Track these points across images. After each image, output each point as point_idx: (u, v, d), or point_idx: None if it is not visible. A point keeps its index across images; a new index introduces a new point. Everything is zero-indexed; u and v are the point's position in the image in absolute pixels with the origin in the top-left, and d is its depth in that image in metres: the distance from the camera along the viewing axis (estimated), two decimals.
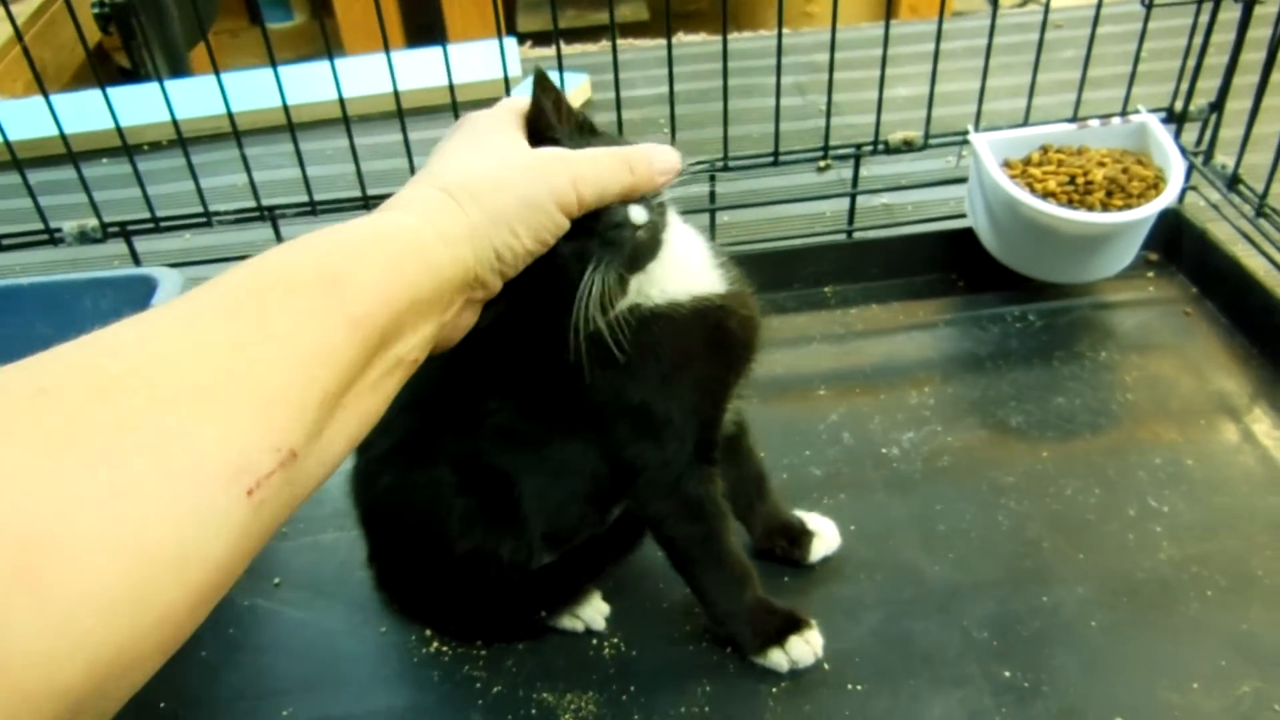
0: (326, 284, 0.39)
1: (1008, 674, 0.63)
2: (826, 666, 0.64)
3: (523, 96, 0.55)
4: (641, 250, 0.53)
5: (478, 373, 0.60)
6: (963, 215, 1.00)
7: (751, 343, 0.62)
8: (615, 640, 0.67)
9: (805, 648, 0.64)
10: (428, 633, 0.69)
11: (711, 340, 0.59)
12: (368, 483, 0.65)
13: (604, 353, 0.55)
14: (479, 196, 0.47)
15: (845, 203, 1.04)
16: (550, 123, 0.54)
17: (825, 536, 0.71)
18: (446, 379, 0.60)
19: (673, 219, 0.58)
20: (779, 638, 0.64)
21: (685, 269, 0.58)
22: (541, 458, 0.62)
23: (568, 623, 0.68)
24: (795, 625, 0.64)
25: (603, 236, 0.51)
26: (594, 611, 0.68)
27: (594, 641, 0.67)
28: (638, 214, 0.52)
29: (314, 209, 0.94)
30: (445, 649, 0.68)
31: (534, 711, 0.63)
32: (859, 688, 0.63)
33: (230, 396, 0.34)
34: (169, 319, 0.36)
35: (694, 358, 0.58)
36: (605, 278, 0.51)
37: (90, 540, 0.30)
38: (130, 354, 0.34)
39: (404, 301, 0.42)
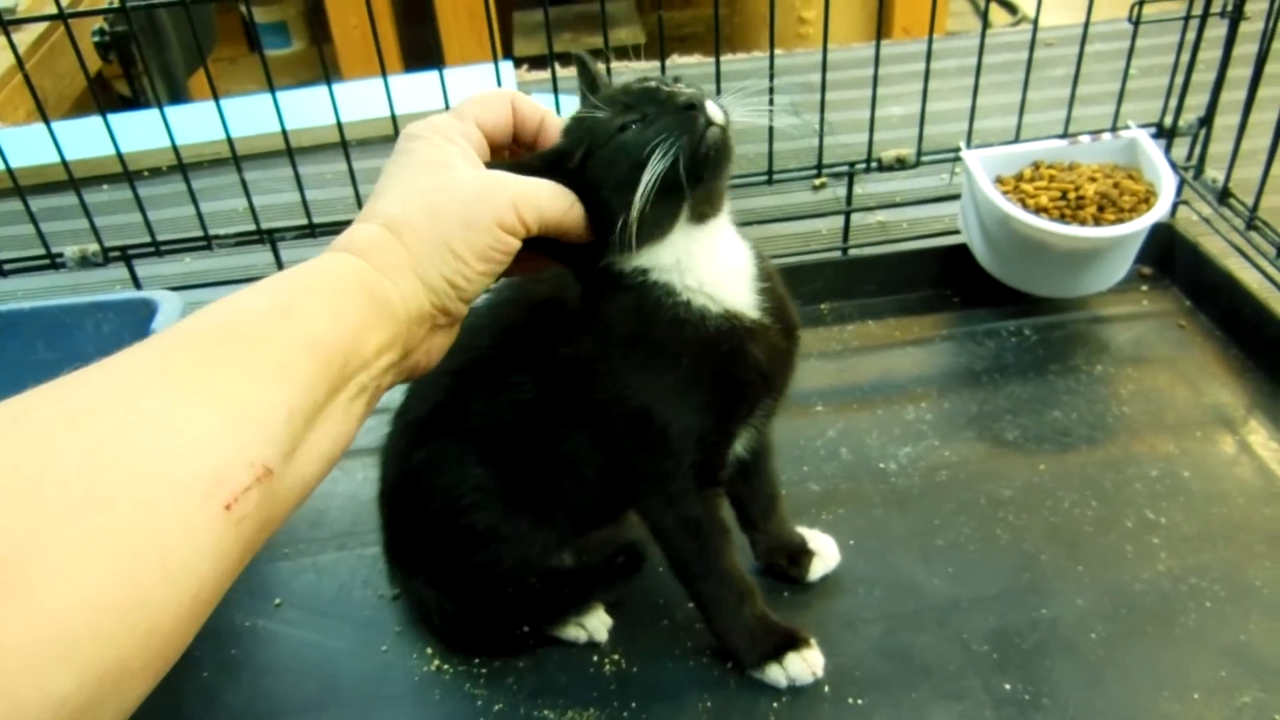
0: (280, 314, 0.41)
1: (1008, 687, 0.63)
2: (827, 682, 0.64)
3: (473, 99, 0.54)
4: (711, 153, 0.50)
5: (515, 343, 0.59)
6: (957, 231, 1.01)
7: (776, 376, 0.60)
8: (616, 656, 0.67)
9: (803, 666, 0.63)
10: (429, 651, 0.69)
11: (729, 364, 0.57)
12: (400, 453, 0.65)
13: (620, 343, 0.56)
14: (419, 229, 0.47)
15: (840, 220, 1.05)
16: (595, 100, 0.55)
17: (825, 555, 0.71)
18: (490, 348, 0.60)
19: (724, 221, 0.58)
20: (777, 654, 0.64)
21: (724, 277, 0.57)
22: (554, 440, 0.61)
23: (571, 632, 0.68)
24: (794, 643, 0.64)
25: (674, 116, 0.50)
26: (598, 622, 0.68)
27: (595, 658, 0.67)
28: (715, 110, 0.50)
29: (313, 231, 0.95)
30: (446, 667, 0.68)
31: None
32: (859, 701, 0.63)
33: (198, 414, 0.36)
34: (133, 355, 0.38)
35: (705, 378, 0.57)
36: (665, 164, 0.49)
37: (70, 550, 0.31)
38: (97, 386, 0.36)
39: (356, 330, 0.43)
